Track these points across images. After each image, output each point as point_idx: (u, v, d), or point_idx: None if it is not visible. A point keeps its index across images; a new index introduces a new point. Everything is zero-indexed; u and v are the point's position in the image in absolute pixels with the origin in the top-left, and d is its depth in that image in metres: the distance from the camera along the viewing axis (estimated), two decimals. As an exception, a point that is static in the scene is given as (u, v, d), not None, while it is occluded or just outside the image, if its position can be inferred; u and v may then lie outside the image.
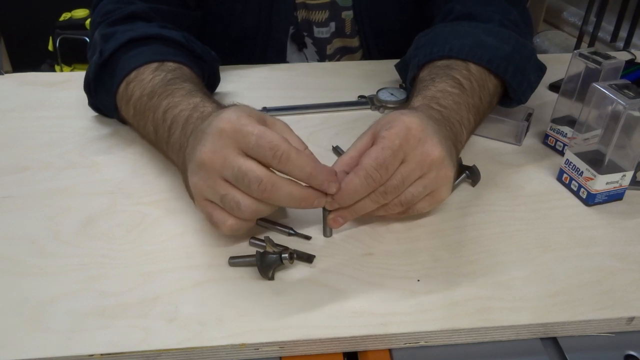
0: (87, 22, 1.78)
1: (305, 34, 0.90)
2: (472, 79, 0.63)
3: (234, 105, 0.52)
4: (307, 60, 0.93)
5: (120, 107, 0.66)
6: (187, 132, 0.53)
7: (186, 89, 0.60)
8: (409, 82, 0.70)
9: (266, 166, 0.46)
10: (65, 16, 1.92)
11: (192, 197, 0.52)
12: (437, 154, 0.50)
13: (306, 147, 0.51)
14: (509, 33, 0.69)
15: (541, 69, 0.71)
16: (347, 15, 0.88)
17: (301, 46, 0.92)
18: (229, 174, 0.46)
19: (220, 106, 0.56)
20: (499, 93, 0.68)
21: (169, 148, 0.57)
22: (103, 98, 0.69)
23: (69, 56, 1.90)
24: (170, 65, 0.65)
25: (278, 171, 0.47)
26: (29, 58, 2.05)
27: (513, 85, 0.66)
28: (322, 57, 0.93)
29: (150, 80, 0.63)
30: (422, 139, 0.49)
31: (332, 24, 0.89)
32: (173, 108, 0.58)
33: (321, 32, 0.90)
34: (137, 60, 0.65)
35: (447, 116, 0.57)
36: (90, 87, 0.69)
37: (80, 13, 1.91)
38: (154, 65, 0.64)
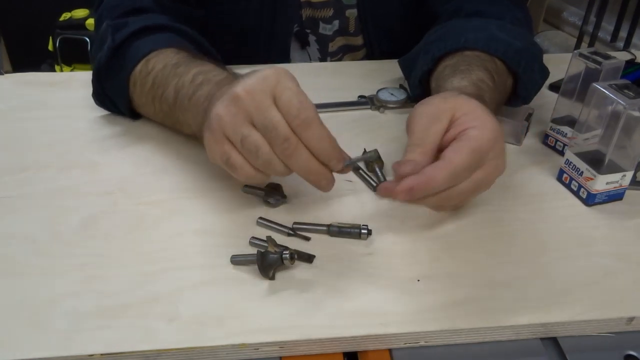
0: (87, 22, 1.77)
1: (308, 31, 0.90)
2: (495, 74, 0.63)
3: None
4: (309, 57, 0.93)
5: (133, 84, 0.66)
6: (222, 86, 0.53)
7: (215, 64, 0.61)
8: (419, 77, 0.70)
9: None
10: (65, 16, 1.92)
11: (202, 138, 0.51)
12: (503, 169, 0.51)
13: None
14: (520, 30, 0.69)
15: (543, 70, 0.70)
16: (351, 13, 0.88)
17: (304, 44, 0.92)
18: (259, 120, 0.46)
19: None
20: (508, 92, 0.68)
21: (191, 102, 0.57)
22: (114, 82, 0.68)
23: (69, 56, 1.90)
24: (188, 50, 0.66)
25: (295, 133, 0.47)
26: (29, 58, 2.04)
27: (524, 80, 0.66)
28: (325, 54, 0.93)
29: (174, 56, 0.64)
30: (501, 152, 0.50)
31: (336, 22, 0.89)
32: (206, 72, 0.59)
33: (325, 29, 0.90)
34: (154, 45, 0.66)
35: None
36: (101, 73, 0.68)
37: (80, 13, 1.91)
38: (173, 48, 0.65)
